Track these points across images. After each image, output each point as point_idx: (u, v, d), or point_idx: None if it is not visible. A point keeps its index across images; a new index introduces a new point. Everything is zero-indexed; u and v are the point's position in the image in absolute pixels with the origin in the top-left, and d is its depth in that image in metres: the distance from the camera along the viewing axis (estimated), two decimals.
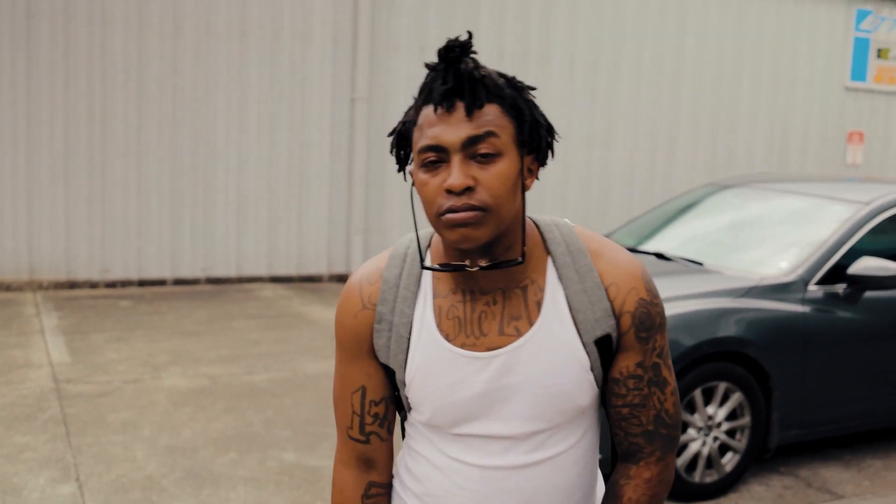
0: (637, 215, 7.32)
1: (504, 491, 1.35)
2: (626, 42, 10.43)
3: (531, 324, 1.32)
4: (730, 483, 4.10)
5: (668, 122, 10.71)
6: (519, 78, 1.32)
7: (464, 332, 1.33)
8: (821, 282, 4.27)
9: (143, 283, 8.72)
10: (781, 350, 4.08)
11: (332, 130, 9.28)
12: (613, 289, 1.35)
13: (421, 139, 1.26)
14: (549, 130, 1.34)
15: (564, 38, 10.19)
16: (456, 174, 1.22)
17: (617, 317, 1.35)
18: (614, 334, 1.34)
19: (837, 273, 4.30)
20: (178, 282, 8.86)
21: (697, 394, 3.96)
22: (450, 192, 1.22)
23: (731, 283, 4.22)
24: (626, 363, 1.37)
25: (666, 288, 4.11)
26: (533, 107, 1.31)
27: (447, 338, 1.33)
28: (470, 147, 1.23)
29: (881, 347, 4.41)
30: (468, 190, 1.22)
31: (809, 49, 11.65)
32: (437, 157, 1.24)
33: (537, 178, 1.35)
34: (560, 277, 1.34)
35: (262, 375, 5.68)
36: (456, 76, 1.23)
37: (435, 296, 1.35)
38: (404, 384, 1.37)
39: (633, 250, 5.06)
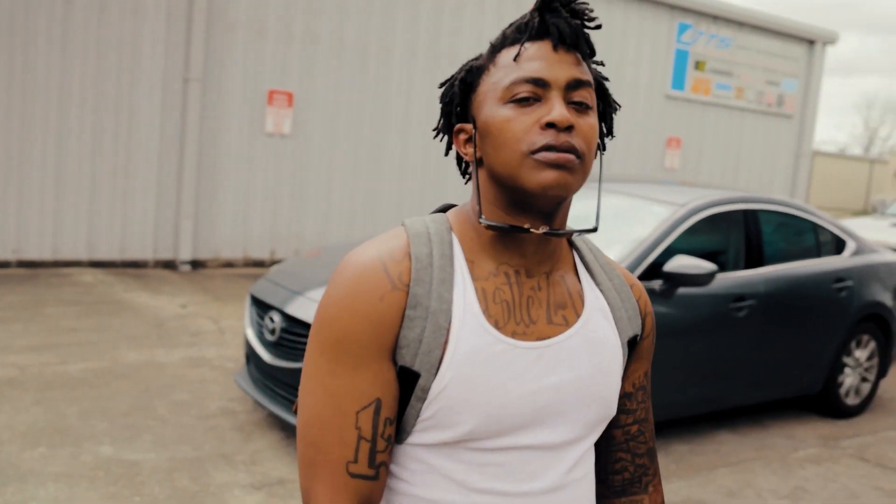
0: None
1: None
2: (465, 38, 10.59)
3: (577, 315, 1.18)
4: None
5: None
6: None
7: (513, 318, 1.13)
8: (640, 278, 4.50)
9: None
10: None
11: (163, 110, 8.90)
12: (636, 289, 1.29)
13: (511, 73, 1.11)
14: (614, 113, 1.26)
15: (407, 31, 10.22)
16: (560, 108, 1.08)
17: (643, 318, 1.28)
18: (638, 338, 1.27)
19: (655, 270, 4.55)
20: None
21: None
22: (550, 126, 1.08)
23: None
24: (639, 373, 1.30)
25: None
26: (605, 85, 1.23)
27: (496, 326, 1.12)
28: (571, 90, 1.11)
29: (690, 340, 4.70)
30: (569, 129, 1.09)
31: (635, 56, 12.26)
32: (533, 92, 1.10)
33: (602, 158, 1.26)
34: (590, 272, 1.25)
35: (78, 365, 5.37)
36: (576, 17, 1.13)
37: (475, 278, 1.14)
38: (425, 393, 1.09)
39: None
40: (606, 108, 1.24)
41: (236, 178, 9.39)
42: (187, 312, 7.11)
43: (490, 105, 1.13)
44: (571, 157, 1.08)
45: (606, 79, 1.24)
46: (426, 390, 1.09)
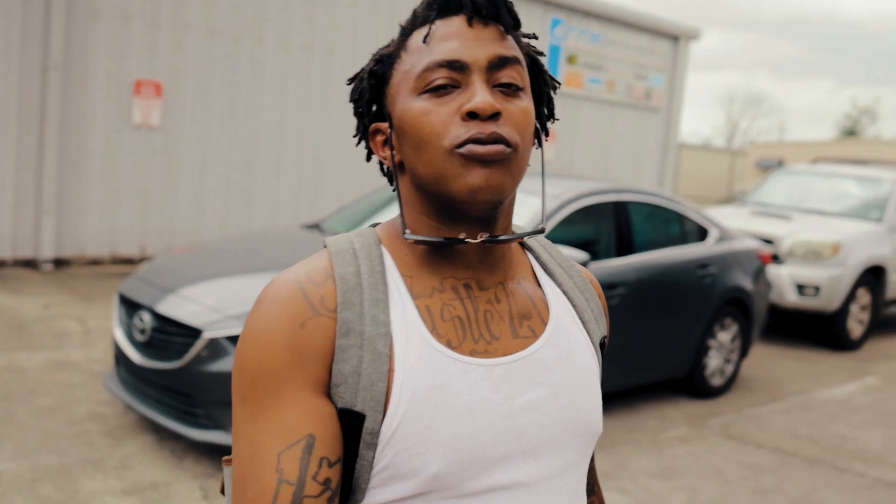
0: (347, 203, 7.41)
1: None
2: (341, 26, 10.49)
3: (544, 323, 1.03)
4: None
5: None
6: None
7: (470, 336, 0.96)
8: None
9: None
10: None
11: (20, 100, 8.42)
12: (595, 286, 1.15)
13: (424, 58, 0.95)
14: (553, 92, 1.09)
15: (280, 19, 10.03)
16: (483, 93, 0.92)
17: (605, 320, 1.15)
18: (605, 339, 1.14)
19: None
20: None
21: None
22: (472, 116, 0.92)
23: None
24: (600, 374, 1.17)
25: None
26: (539, 60, 1.06)
27: (449, 346, 0.95)
28: (495, 70, 0.95)
29: None
30: (495, 116, 0.92)
31: None
32: (450, 78, 0.93)
33: (541, 148, 1.08)
34: (550, 274, 1.09)
35: None
36: None
37: (414, 296, 0.97)
38: (375, 438, 0.91)
39: None
40: (542, 87, 1.08)
41: (102, 172, 8.99)
42: (50, 313, 6.77)
43: (403, 98, 0.97)
44: (501, 147, 0.92)
45: (541, 53, 1.08)
46: (375, 434, 0.90)
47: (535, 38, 1.07)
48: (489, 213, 0.97)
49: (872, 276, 8.42)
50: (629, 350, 5.26)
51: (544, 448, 0.98)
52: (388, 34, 10.82)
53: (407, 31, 1.01)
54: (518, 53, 0.98)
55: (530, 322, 1.02)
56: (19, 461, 3.92)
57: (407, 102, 0.96)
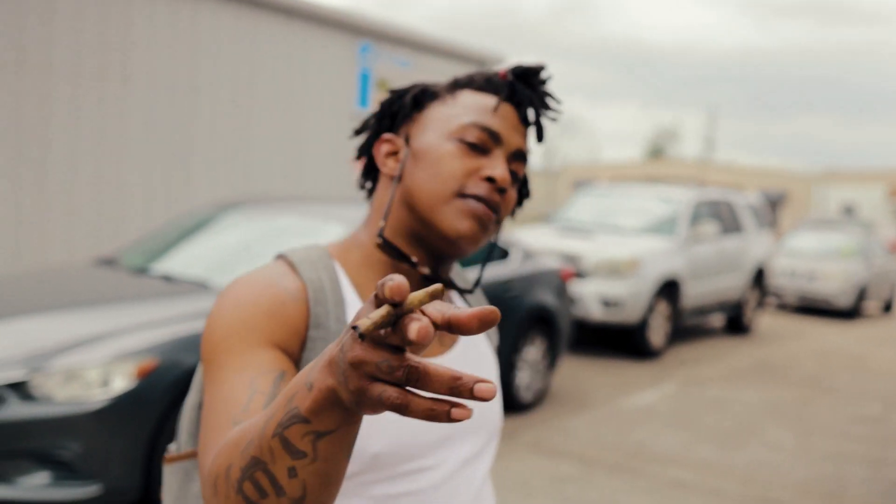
0: (144, 234, 7.10)
1: None
2: (138, 63, 10.12)
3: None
4: None
5: (184, 138, 10.61)
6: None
7: None
8: None
9: None
10: None
11: None
12: (487, 303, 1.31)
13: (470, 115, 1.11)
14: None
15: (69, 48, 9.55)
16: (504, 168, 1.09)
17: (496, 332, 1.36)
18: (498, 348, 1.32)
19: None
20: None
21: None
22: (489, 181, 1.09)
23: None
24: None
25: (169, 308, 4.05)
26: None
27: None
28: (515, 160, 1.14)
29: None
30: (502, 191, 1.10)
31: (319, 77, 12.45)
32: (483, 142, 1.10)
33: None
34: (462, 294, 1.24)
35: None
36: (541, 98, 1.15)
37: (365, 301, 1.10)
38: None
39: (142, 271, 4.89)
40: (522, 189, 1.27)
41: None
42: None
43: (436, 134, 1.12)
44: (494, 216, 1.10)
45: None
46: None
47: (542, 140, 1.25)
48: (451, 255, 1.13)
49: (670, 289, 8.97)
50: None
51: (461, 436, 1.14)
52: (188, 67, 10.55)
53: (459, 85, 1.16)
54: (527, 154, 1.17)
55: (449, 335, 1.18)
56: None
57: (439, 139, 1.11)
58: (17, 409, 3.51)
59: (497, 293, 5.82)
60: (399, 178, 1.13)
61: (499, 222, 1.13)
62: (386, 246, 1.12)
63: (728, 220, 10.53)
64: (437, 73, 14.39)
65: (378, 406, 0.66)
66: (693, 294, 9.43)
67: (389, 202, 1.14)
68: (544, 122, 1.19)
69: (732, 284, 10.41)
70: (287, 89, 12.04)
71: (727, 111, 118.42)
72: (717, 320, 11.83)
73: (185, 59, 10.64)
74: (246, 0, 11.18)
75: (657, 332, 8.80)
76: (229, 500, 0.80)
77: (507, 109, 1.14)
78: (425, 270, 1.13)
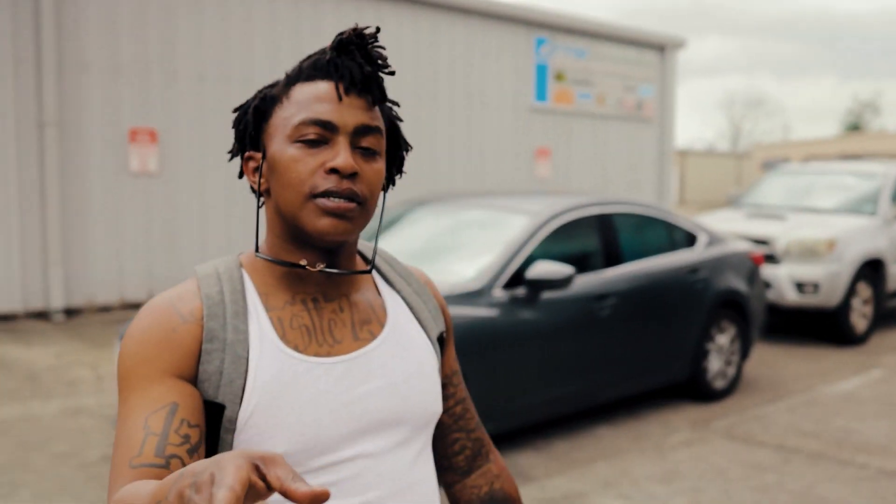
0: None
1: None
2: None
3: (382, 325, 1.23)
4: None
5: None
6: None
7: (315, 341, 1.16)
8: (505, 286, 4.69)
9: None
10: (472, 351, 4.42)
11: (19, 157, 8.62)
12: (431, 287, 1.36)
13: (301, 112, 1.13)
14: (405, 153, 1.29)
15: (269, 60, 10.23)
16: (346, 155, 1.11)
17: (443, 312, 1.35)
18: (444, 333, 1.34)
19: (518, 277, 4.74)
20: None
21: None
22: (333, 172, 1.11)
23: None
24: (449, 360, 1.36)
25: None
26: (399, 127, 1.27)
27: (296, 349, 1.14)
28: (359, 136, 1.13)
29: (558, 341, 4.91)
30: (352, 176, 1.11)
31: (497, 72, 12.62)
32: (320, 135, 1.12)
33: (382, 203, 1.31)
34: (389, 282, 1.29)
35: None
36: (368, 62, 1.14)
37: (268, 309, 1.16)
38: (233, 424, 1.10)
39: None
40: (397, 150, 1.28)
41: (105, 220, 9.17)
42: (62, 363, 6.90)
43: (279, 141, 1.14)
44: (352, 205, 1.11)
45: (400, 119, 1.28)
46: (233, 421, 1.09)
47: (398, 105, 1.27)
48: (333, 247, 1.16)
49: (872, 270, 8.47)
50: (625, 358, 5.34)
51: (383, 427, 1.18)
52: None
53: (291, 81, 1.18)
54: (380, 123, 1.17)
55: (370, 326, 1.22)
56: None
57: (282, 146, 1.14)
58: None
59: (683, 279, 5.75)
60: (268, 191, 1.17)
61: (361, 204, 1.13)
62: (269, 261, 1.17)
63: None
64: (615, 60, 14.21)
65: None
66: None
67: (257, 216, 1.22)
68: (380, 78, 1.16)
69: None
70: (465, 87, 12.28)
71: None
72: None
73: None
74: (425, 1, 11.50)
75: (859, 317, 8.33)
76: None
77: (335, 89, 1.14)
78: (320, 266, 1.16)
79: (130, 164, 9.25)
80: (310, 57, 1.19)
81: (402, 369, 1.21)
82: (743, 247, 6.46)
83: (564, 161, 13.69)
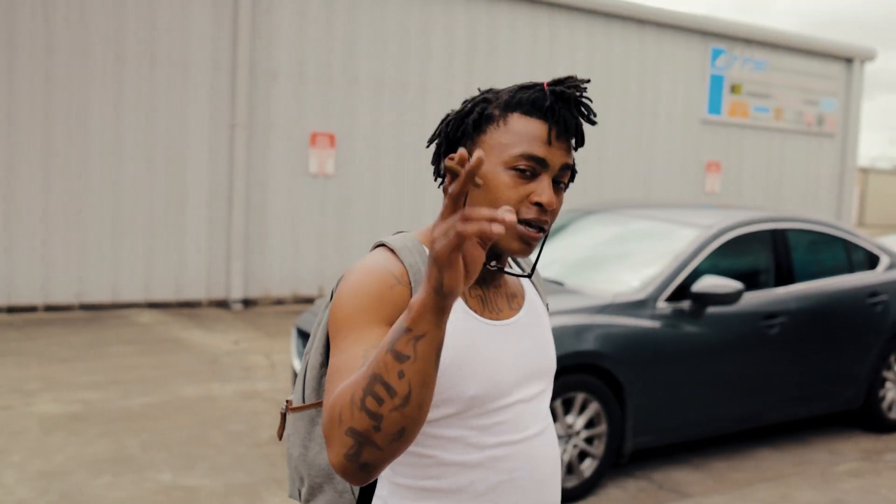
0: None
1: (543, 459, 1.41)
2: (500, 72, 10.85)
3: (523, 298, 1.48)
4: (589, 487, 4.38)
5: None
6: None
7: (487, 308, 1.39)
8: (669, 299, 4.64)
9: (11, 310, 8.48)
10: (634, 362, 4.41)
11: (211, 156, 9.30)
12: (537, 272, 1.59)
13: (521, 145, 1.31)
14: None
15: (443, 68, 10.52)
16: (550, 193, 1.31)
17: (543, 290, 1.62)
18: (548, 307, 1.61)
19: (684, 290, 4.68)
20: (50, 308, 8.65)
21: (558, 404, 4.23)
22: (538, 206, 1.31)
23: (589, 301, 4.52)
24: None
25: None
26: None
27: (477, 313, 1.37)
28: (560, 173, 1.34)
29: (722, 358, 4.81)
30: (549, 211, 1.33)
31: (670, 83, 12.40)
32: (532, 169, 1.31)
33: None
34: (519, 265, 1.56)
35: (138, 400, 5.66)
36: (577, 112, 1.35)
37: None
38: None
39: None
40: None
41: (283, 219, 9.73)
42: (239, 349, 7.39)
43: (494, 162, 1.32)
44: (541, 235, 1.32)
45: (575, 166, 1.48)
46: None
47: (583, 144, 1.45)
48: (505, 258, 1.41)
49: None
50: (792, 380, 5.16)
51: (532, 377, 1.43)
52: (545, 77, 11.08)
53: (510, 107, 1.36)
54: (573, 162, 1.38)
55: (517, 300, 1.47)
56: (213, 478, 4.37)
57: (496, 169, 1.33)
58: None
59: (862, 301, 5.49)
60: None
61: (547, 230, 1.33)
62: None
63: None
64: (797, 72, 13.64)
65: (447, 250, 0.95)
66: None
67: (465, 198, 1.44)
68: (583, 130, 1.36)
69: None
70: (637, 97, 12.15)
71: None
72: None
73: (542, 72, 11.19)
74: (599, 11, 11.48)
75: None
76: (353, 419, 1.05)
77: (547, 132, 1.31)
78: (493, 264, 1.39)
79: (310, 165, 9.76)
80: (526, 88, 1.36)
81: (539, 333, 1.47)
82: None
83: (736, 175, 13.26)
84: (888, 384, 5.71)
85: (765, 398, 5.08)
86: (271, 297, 9.77)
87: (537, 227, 1.31)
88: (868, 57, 14.50)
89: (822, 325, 5.26)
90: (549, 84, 1.34)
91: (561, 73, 11.24)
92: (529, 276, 1.46)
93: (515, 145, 1.31)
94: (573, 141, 1.37)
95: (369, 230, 10.22)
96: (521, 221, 1.30)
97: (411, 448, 1.33)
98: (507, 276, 1.47)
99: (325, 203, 9.97)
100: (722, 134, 13.02)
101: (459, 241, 0.95)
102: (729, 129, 13.03)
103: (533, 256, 5.82)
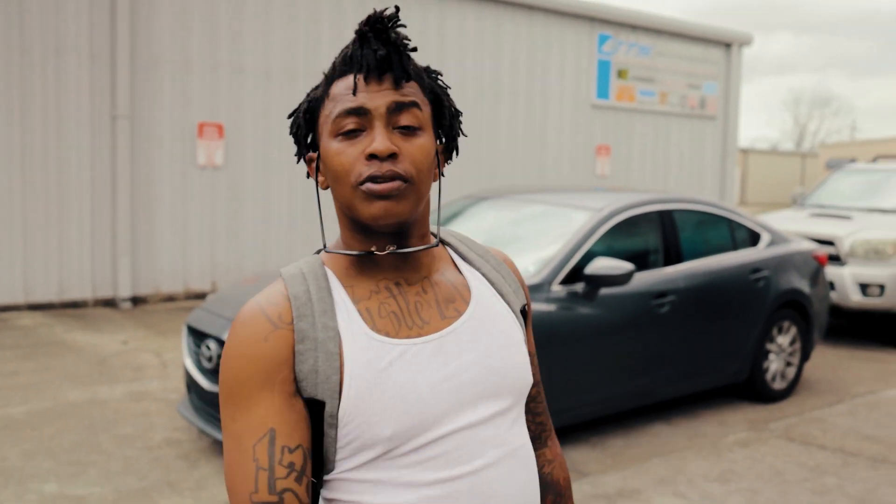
0: None
1: (496, 496, 1.20)
2: None
3: (467, 302, 1.25)
4: None
5: None
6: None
7: (405, 324, 1.19)
8: (564, 281, 4.70)
9: None
10: None
11: (93, 149, 8.91)
12: (510, 265, 1.37)
13: (338, 105, 1.17)
14: (458, 121, 1.29)
15: (334, 54, 10.37)
16: (381, 138, 1.13)
17: (523, 291, 1.37)
18: (525, 307, 1.35)
19: (577, 273, 4.75)
20: None
21: None
22: (372, 157, 1.13)
23: None
24: (529, 341, 1.38)
25: None
26: (447, 94, 1.27)
27: (388, 336, 1.17)
28: (394, 114, 1.16)
29: (616, 338, 4.91)
30: (392, 157, 1.13)
31: (559, 69, 12.59)
32: (358, 123, 1.15)
33: (442, 175, 1.28)
34: (467, 261, 1.32)
35: (20, 407, 5.38)
36: (386, 45, 1.16)
37: (356, 301, 1.19)
38: (335, 419, 1.14)
39: None
40: (450, 117, 1.28)
41: (172, 212, 9.42)
42: (128, 349, 7.13)
43: (325, 138, 1.19)
44: (396, 184, 1.13)
45: (446, 87, 1.28)
46: (334, 416, 1.13)
47: (440, 74, 1.27)
48: (396, 229, 1.18)
49: None
50: (683, 357, 5.32)
51: (480, 398, 1.20)
52: (436, 64, 11.08)
53: (329, 79, 1.22)
54: (416, 97, 1.19)
55: (455, 304, 1.24)
56: (103, 485, 4.19)
57: (327, 142, 1.19)
58: None
59: (745, 278, 5.69)
60: (327, 187, 1.22)
61: (408, 181, 1.14)
62: (340, 254, 1.21)
63: None
64: (680, 57, 14.05)
65: None
66: None
67: (320, 214, 1.31)
68: (405, 56, 1.18)
69: None
70: (528, 83, 12.28)
71: None
72: None
73: (434, 60, 11.18)
74: None
75: None
76: None
77: (377, 75, 1.16)
78: (390, 248, 1.19)
79: (198, 157, 9.48)
80: (341, 51, 1.22)
81: (491, 342, 1.23)
82: (807, 246, 6.36)
83: (625, 158, 13.58)
84: (771, 356, 5.95)
85: (657, 375, 5.22)
86: (161, 294, 9.46)
87: (388, 178, 1.13)
88: (745, 42, 15.06)
89: (709, 302, 5.44)
90: (356, 31, 1.19)
91: (451, 63, 11.25)
92: (436, 245, 1.25)
93: (333, 108, 1.17)
94: (393, 77, 1.17)
95: (262, 221, 10.02)
96: (363, 182, 1.13)
97: (330, 495, 1.18)
98: (442, 279, 1.26)
99: (216, 195, 9.70)
100: (611, 118, 13.31)
101: None
102: (617, 113, 13.33)
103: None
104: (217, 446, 4.75)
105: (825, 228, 8.26)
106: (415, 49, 1.20)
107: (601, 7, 12.88)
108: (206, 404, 4.49)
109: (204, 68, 9.48)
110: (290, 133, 1.29)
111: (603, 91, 13.02)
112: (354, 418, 1.13)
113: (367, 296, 1.20)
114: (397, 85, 1.17)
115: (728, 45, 14.88)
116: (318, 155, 1.23)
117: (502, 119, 11.96)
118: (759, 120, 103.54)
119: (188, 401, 4.77)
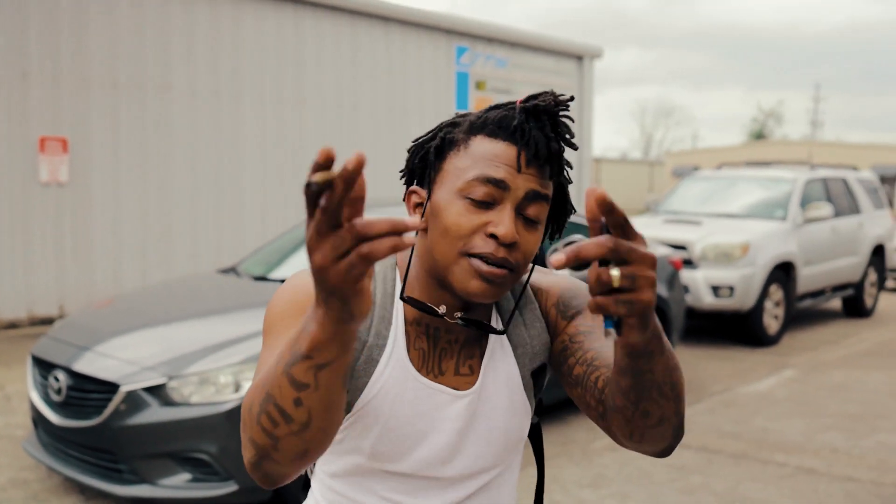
0: (263, 244, 7.41)
1: None
2: (247, 70, 10.49)
3: (481, 360, 1.23)
4: None
5: (293, 149, 10.94)
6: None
7: (425, 365, 1.19)
8: None
9: None
10: None
11: None
12: (542, 295, 1.29)
13: (480, 168, 1.12)
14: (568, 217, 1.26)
15: (185, 66, 9.98)
16: (509, 223, 1.10)
17: (551, 332, 1.28)
18: (548, 358, 1.28)
19: None
20: None
21: None
22: (493, 238, 1.10)
23: None
24: (573, 327, 1.26)
25: None
26: (568, 190, 1.24)
27: (414, 366, 1.19)
28: (528, 203, 1.12)
29: None
30: (511, 245, 1.10)
31: (418, 81, 12.62)
32: (491, 196, 1.11)
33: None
34: (500, 317, 1.27)
35: None
36: (555, 132, 1.13)
37: (407, 321, 1.20)
38: (350, 408, 1.16)
39: (262, 279, 5.12)
40: (561, 213, 1.25)
41: (11, 232, 8.79)
42: None
43: (447, 190, 1.14)
44: (504, 272, 1.11)
45: (570, 181, 1.24)
46: (350, 406, 1.16)
47: (571, 167, 1.22)
48: (473, 304, 1.19)
49: (783, 273, 8.75)
50: None
51: (467, 456, 1.22)
52: (294, 77, 10.87)
53: (474, 130, 1.16)
54: (549, 192, 1.16)
55: (472, 362, 1.23)
56: None
57: (449, 197, 1.14)
58: (157, 413, 3.75)
59: None
60: (425, 230, 1.17)
61: (514, 271, 1.12)
62: (410, 303, 1.19)
63: (842, 199, 10.17)
64: (535, 69, 14.37)
65: (352, 279, 0.79)
66: (808, 277, 9.17)
67: (410, 256, 1.22)
68: (561, 151, 1.15)
69: (849, 266, 10.06)
70: (387, 96, 12.24)
71: (837, 87, 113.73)
72: (836, 304, 11.46)
73: (291, 71, 10.96)
74: (345, 8, 11.43)
75: (771, 318, 8.60)
76: (253, 430, 0.96)
77: (515, 153, 1.13)
78: (457, 315, 1.19)
79: (40, 173, 8.89)
80: (497, 108, 1.16)
81: (499, 409, 1.23)
82: (662, 251, 6.57)
83: None
84: None
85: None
86: (3, 321, 8.80)
87: (498, 264, 1.09)
88: (596, 55, 15.57)
89: None
90: (523, 101, 1.14)
91: (310, 72, 11.07)
92: (503, 332, 1.20)
93: (472, 169, 1.12)
94: (548, 170, 1.13)
95: (112, 239, 9.50)
96: (472, 255, 1.10)
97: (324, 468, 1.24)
98: (469, 330, 1.22)
99: (61, 213, 9.12)
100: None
101: (365, 266, 0.78)
102: None
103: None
104: (69, 485, 4.42)
105: (678, 234, 8.60)
106: (576, 148, 1.15)
107: (457, 19, 13.01)
108: (55, 440, 4.17)
109: (43, 79, 8.90)
110: (410, 158, 1.23)
111: (462, 102, 13.15)
112: (362, 417, 1.16)
113: (414, 320, 1.20)
114: (541, 175, 1.14)
115: (580, 58, 15.34)
116: (428, 195, 1.18)
117: (362, 132, 11.86)
118: (610, 130, 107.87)
119: (35, 437, 4.41)
